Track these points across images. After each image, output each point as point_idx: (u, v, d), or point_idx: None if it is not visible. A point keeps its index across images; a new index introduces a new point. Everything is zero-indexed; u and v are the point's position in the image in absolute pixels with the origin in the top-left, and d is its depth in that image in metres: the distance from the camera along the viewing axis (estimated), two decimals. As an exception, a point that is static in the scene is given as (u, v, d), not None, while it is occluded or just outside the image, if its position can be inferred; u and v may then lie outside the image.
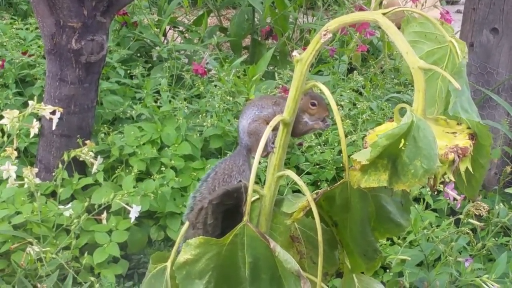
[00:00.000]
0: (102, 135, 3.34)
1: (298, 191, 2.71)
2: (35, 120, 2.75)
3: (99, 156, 2.85)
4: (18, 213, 2.91)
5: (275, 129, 1.36)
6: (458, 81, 1.20)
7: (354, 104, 3.89)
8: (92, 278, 2.66)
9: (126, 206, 2.84)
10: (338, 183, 1.33)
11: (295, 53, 1.29)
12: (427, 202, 3.21)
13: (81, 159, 2.83)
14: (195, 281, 1.31)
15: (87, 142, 2.88)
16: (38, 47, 3.93)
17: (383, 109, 3.86)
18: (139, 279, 3.01)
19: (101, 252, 2.91)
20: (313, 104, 1.47)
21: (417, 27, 1.40)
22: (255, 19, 5.08)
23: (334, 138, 3.54)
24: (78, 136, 3.15)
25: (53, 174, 3.01)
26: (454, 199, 2.73)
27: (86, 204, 2.85)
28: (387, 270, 2.93)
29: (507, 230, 3.17)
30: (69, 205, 2.89)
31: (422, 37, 1.39)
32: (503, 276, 2.79)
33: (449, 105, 1.26)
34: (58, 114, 2.69)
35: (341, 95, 3.95)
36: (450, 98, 1.24)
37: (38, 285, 2.59)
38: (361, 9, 4.45)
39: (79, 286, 2.74)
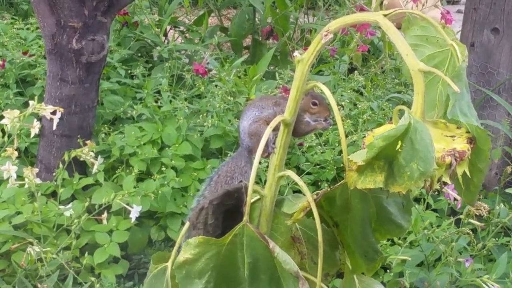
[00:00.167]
0: (103, 135, 3.34)
1: (299, 191, 2.71)
2: (35, 120, 2.75)
3: (99, 156, 2.85)
4: (18, 213, 2.91)
5: (275, 129, 1.36)
6: (457, 84, 1.20)
7: (355, 104, 3.89)
8: (93, 278, 2.67)
9: (127, 206, 2.84)
10: (339, 183, 1.33)
11: (296, 53, 1.29)
12: (427, 202, 3.21)
13: (81, 159, 2.83)
14: (194, 281, 1.31)
15: (88, 142, 2.88)
16: (39, 47, 3.93)
17: (383, 109, 3.86)
18: (139, 279, 3.01)
19: (102, 252, 2.91)
20: (314, 104, 1.47)
21: (418, 31, 1.40)
22: (256, 19, 5.08)
23: (334, 138, 3.54)
24: (79, 136, 3.15)
25: (54, 174, 3.01)
26: (455, 199, 2.73)
27: (86, 204, 2.85)
28: (388, 270, 2.92)
29: (507, 231, 3.17)
30: (70, 205, 2.89)
31: (423, 41, 1.39)
32: (504, 276, 2.79)
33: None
34: (58, 114, 2.69)
35: (341, 95, 3.95)
36: (449, 102, 1.24)
37: (39, 285, 2.59)
38: (362, 9, 4.45)
39: (80, 286, 2.74)
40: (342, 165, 3.35)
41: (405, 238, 2.97)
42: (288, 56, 4.87)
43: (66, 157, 2.83)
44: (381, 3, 4.90)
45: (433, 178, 1.19)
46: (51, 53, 3.15)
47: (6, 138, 2.66)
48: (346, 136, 3.43)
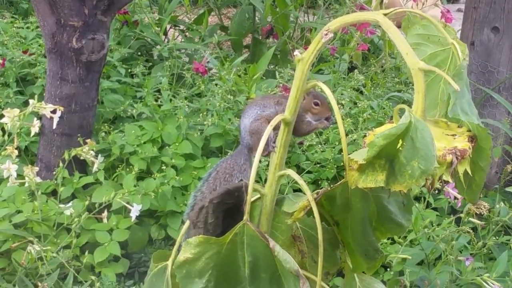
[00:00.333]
0: (103, 134, 3.34)
1: (299, 190, 2.71)
2: (35, 119, 2.76)
3: (99, 155, 2.86)
4: (18, 212, 2.91)
5: (276, 128, 1.36)
6: (458, 83, 1.19)
7: (355, 103, 3.89)
8: (93, 277, 2.67)
9: (127, 205, 2.84)
10: (339, 182, 1.33)
11: (296, 52, 1.29)
12: (428, 201, 3.22)
13: (81, 158, 2.83)
14: (195, 280, 1.31)
15: (88, 141, 2.88)
16: (39, 46, 3.93)
17: (383, 108, 3.86)
18: (139, 278, 3.02)
19: (102, 251, 2.91)
20: (316, 104, 1.47)
21: (420, 30, 1.40)
22: (256, 18, 5.08)
23: (334, 137, 3.54)
24: (79, 135, 3.15)
25: (54, 173, 3.01)
26: (455, 198, 2.73)
27: (86, 203, 2.85)
28: (388, 269, 2.93)
29: (507, 229, 3.17)
30: (70, 204, 2.89)
31: (425, 40, 1.39)
32: (504, 275, 2.79)
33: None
34: (58, 113, 2.69)
35: (342, 94, 3.95)
36: (450, 100, 1.24)
37: (39, 284, 2.59)
38: (362, 8, 4.45)
39: (80, 285, 2.74)
40: (342, 164, 3.36)
41: (405, 237, 2.97)
42: (288, 55, 4.87)
43: (66, 156, 2.83)
44: (381, 2, 4.90)
45: (434, 176, 1.19)
46: (51, 52, 3.15)
47: (6, 137, 2.66)
48: (346, 135, 3.43)
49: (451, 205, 3.22)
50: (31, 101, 2.62)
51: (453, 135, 1.26)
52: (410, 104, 1.20)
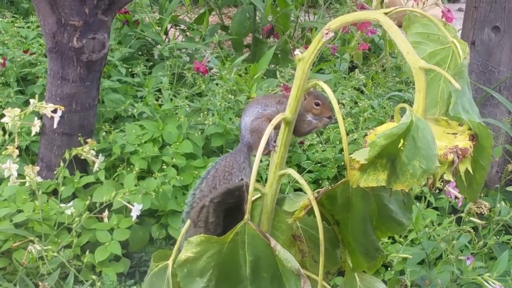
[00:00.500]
0: (104, 133, 3.34)
1: (300, 189, 2.71)
2: (36, 118, 2.76)
3: (100, 155, 2.86)
4: (19, 211, 2.91)
5: (277, 127, 1.36)
6: (458, 82, 1.19)
7: (356, 103, 3.89)
8: (94, 277, 2.67)
9: (128, 205, 2.84)
10: (340, 182, 1.33)
11: (297, 51, 1.29)
12: (428, 201, 3.22)
13: (82, 157, 2.83)
14: (196, 279, 1.31)
15: (89, 140, 2.88)
16: (40, 45, 3.93)
17: (384, 108, 3.86)
18: (140, 277, 3.02)
19: (103, 251, 2.92)
20: (317, 104, 1.47)
21: (420, 28, 1.40)
22: (257, 18, 5.08)
23: (335, 137, 3.54)
24: (80, 134, 3.15)
25: (55, 172, 3.01)
26: (456, 197, 2.73)
27: (87, 202, 2.85)
28: (389, 269, 2.93)
29: (508, 229, 3.17)
30: (71, 203, 2.89)
31: (425, 38, 1.39)
32: (505, 274, 2.79)
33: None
34: (59, 113, 2.69)
35: (342, 94, 3.95)
36: (451, 99, 1.24)
37: (40, 283, 2.59)
38: (362, 8, 4.45)
39: (81, 285, 2.74)
40: (343, 163, 3.36)
41: (406, 236, 2.97)
42: (289, 55, 4.87)
43: (67, 156, 2.83)
44: (382, 1, 4.90)
45: (436, 175, 1.19)
46: (52, 52, 3.15)
47: (7, 136, 2.66)
48: (347, 135, 3.43)
49: (452, 205, 3.22)
50: (31, 100, 2.62)
51: (454, 133, 1.26)
52: (410, 104, 1.20)
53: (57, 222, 2.86)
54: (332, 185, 1.35)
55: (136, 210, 2.79)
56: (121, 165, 3.19)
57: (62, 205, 2.88)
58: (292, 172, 1.38)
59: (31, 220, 2.86)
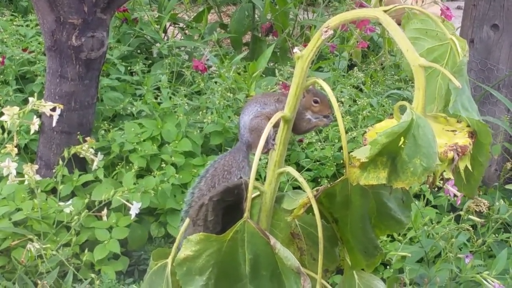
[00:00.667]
0: (103, 131, 3.34)
1: (299, 187, 2.71)
2: (35, 116, 2.76)
3: (99, 153, 2.85)
4: (18, 210, 2.91)
5: (276, 125, 1.36)
6: (458, 79, 1.19)
7: (355, 101, 3.89)
8: (93, 275, 2.67)
9: (127, 203, 2.84)
10: (339, 179, 1.33)
11: (296, 49, 1.29)
12: (427, 199, 3.22)
13: (81, 155, 2.83)
14: (195, 277, 1.31)
15: (88, 138, 2.88)
16: (39, 43, 3.93)
17: (383, 106, 3.86)
18: (139, 275, 3.02)
19: (102, 249, 2.92)
20: (316, 102, 1.46)
21: (418, 24, 1.40)
22: (256, 16, 5.08)
23: (334, 135, 3.54)
24: (79, 132, 3.15)
25: (54, 170, 3.02)
26: (455, 195, 2.73)
27: (86, 200, 2.85)
28: (388, 267, 2.93)
29: (507, 227, 3.17)
30: (70, 201, 2.89)
31: (422, 34, 1.39)
32: (504, 272, 2.79)
33: (449, 102, 1.25)
34: (58, 111, 2.69)
35: (341, 92, 3.95)
36: (451, 97, 1.24)
37: (39, 281, 2.59)
38: (361, 6, 4.44)
39: (80, 283, 2.74)
40: (342, 161, 3.36)
41: (405, 235, 2.97)
42: (288, 53, 4.87)
43: (65, 154, 2.83)
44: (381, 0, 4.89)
45: (436, 173, 1.19)
46: (51, 50, 3.15)
47: (5, 134, 2.66)
48: (346, 133, 3.43)
49: (451, 203, 3.22)
50: (30, 99, 2.62)
51: (453, 131, 1.26)
52: (409, 102, 1.20)
53: (56, 220, 2.86)
54: (331, 183, 1.35)
55: (135, 208, 2.79)
56: (120, 164, 3.19)
57: (61, 203, 2.88)
58: (291, 170, 1.38)
59: (30, 218, 2.86)
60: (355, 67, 4.49)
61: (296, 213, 1.35)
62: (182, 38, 4.81)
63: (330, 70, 4.43)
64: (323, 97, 1.47)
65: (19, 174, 2.74)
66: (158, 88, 3.74)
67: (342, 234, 1.43)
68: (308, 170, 3.41)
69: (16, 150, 2.62)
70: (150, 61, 4.26)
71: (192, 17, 5.21)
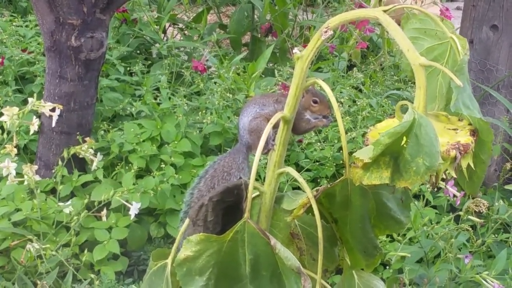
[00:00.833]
0: (102, 132, 3.34)
1: (298, 188, 2.71)
2: (34, 117, 2.75)
3: (98, 153, 2.86)
4: (18, 210, 2.91)
5: (275, 126, 1.36)
6: (459, 78, 1.20)
7: (354, 101, 3.89)
8: (92, 275, 2.67)
9: (126, 203, 2.84)
10: (339, 180, 1.33)
11: (295, 50, 1.29)
12: (427, 199, 3.22)
13: (80, 156, 2.84)
14: (195, 278, 1.31)
15: (87, 139, 2.88)
16: (38, 44, 3.93)
17: (382, 106, 3.86)
18: (139, 276, 3.02)
19: (101, 249, 2.92)
20: (315, 102, 1.47)
21: (417, 24, 1.40)
22: (255, 16, 5.08)
23: (333, 135, 3.54)
24: (78, 133, 3.15)
25: (53, 171, 3.02)
26: (454, 196, 2.73)
27: (86, 201, 2.85)
28: (387, 267, 2.93)
29: (506, 227, 3.17)
30: (69, 202, 2.89)
31: (422, 34, 1.39)
32: (503, 272, 2.79)
33: (450, 101, 1.26)
34: (57, 111, 2.69)
35: (341, 92, 3.95)
36: (452, 95, 1.24)
37: (38, 282, 2.59)
38: (361, 6, 4.44)
39: (79, 283, 2.74)
40: (341, 161, 3.36)
41: (404, 235, 2.97)
42: (287, 53, 4.87)
43: (65, 154, 2.83)
44: (380, 0, 4.90)
45: (439, 172, 1.19)
46: (50, 50, 3.15)
47: (5, 135, 2.66)
48: (345, 133, 3.43)
49: (450, 203, 3.22)
50: (30, 99, 2.62)
51: (454, 129, 1.26)
52: (409, 102, 1.20)
53: (56, 220, 2.86)
54: (331, 183, 1.35)
55: (134, 208, 2.79)
56: (119, 164, 3.19)
57: (61, 203, 2.88)
58: (291, 170, 1.38)
59: (29, 218, 2.86)
60: (355, 68, 4.49)
61: (296, 214, 1.35)
62: (182, 38, 4.81)
63: (330, 71, 4.43)
64: (322, 97, 1.47)
65: (19, 174, 2.74)
66: (157, 89, 3.74)
67: (342, 234, 1.43)
68: (308, 170, 3.41)
69: (15, 150, 2.62)
70: (149, 62, 4.26)
71: (191, 17, 5.21)
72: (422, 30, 1.39)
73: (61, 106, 2.72)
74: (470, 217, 2.84)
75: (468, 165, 1.22)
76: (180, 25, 4.98)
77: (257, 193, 1.40)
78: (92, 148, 2.84)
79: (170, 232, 3.09)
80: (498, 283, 2.57)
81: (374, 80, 4.47)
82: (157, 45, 4.24)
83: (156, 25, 4.46)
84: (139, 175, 3.19)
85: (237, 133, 1.58)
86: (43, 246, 2.64)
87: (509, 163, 3.45)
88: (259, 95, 1.61)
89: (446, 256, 2.78)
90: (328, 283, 1.43)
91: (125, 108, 3.54)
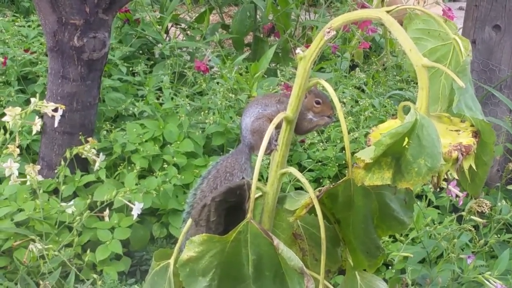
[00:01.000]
0: (104, 132, 3.34)
1: (301, 188, 2.71)
2: (37, 117, 2.76)
3: (101, 153, 2.86)
4: (20, 210, 2.91)
5: (278, 126, 1.36)
6: (462, 79, 1.19)
7: (356, 101, 3.89)
8: (95, 275, 2.67)
9: (129, 203, 2.84)
10: (341, 180, 1.33)
11: (298, 50, 1.29)
12: (429, 199, 3.21)
13: (83, 156, 2.84)
14: (198, 278, 1.31)
15: (90, 139, 2.88)
16: (40, 44, 3.93)
17: (385, 106, 3.86)
18: (141, 276, 3.02)
19: (104, 249, 2.92)
20: (318, 103, 1.47)
21: (420, 24, 1.40)
22: (257, 16, 5.08)
23: (336, 135, 3.54)
24: (80, 133, 3.15)
25: (56, 171, 3.02)
26: (457, 196, 2.73)
27: (88, 201, 2.85)
28: (390, 267, 2.93)
29: (509, 227, 3.17)
30: (72, 202, 2.89)
31: (425, 34, 1.39)
32: (506, 273, 2.79)
33: (452, 102, 1.26)
34: (60, 112, 2.70)
35: (343, 92, 3.95)
36: (454, 96, 1.24)
37: (41, 282, 2.60)
38: (363, 6, 4.44)
39: (82, 283, 2.74)
40: (344, 162, 3.36)
41: (407, 235, 2.97)
42: (290, 53, 4.87)
43: (68, 154, 2.83)
44: (382, 0, 4.89)
45: (441, 173, 1.19)
46: (53, 51, 3.15)
47: (8, 135, 2.66)
48: (348, 133, 3.43)
49: (453, 203, 3.22)
50: (32, 99, 2.62)
51: (457, 130, 1.26)
52: (412, 102, 1.20)
53: (58, 221, 2.86)
54: (333, 183, 1.35)
55: (137, 209, 2.79)
56: (122, 164, 3.19)
57: (63, 204, 2.88)
58: (293, 170, 1.38)
59: (32, 219, 2.86)
60: (357, 68, 4.49)
61: (298, 214, 1.35)
62: (184, 38, 4.81)
63: (332, 71, 4.43)
64: (325, 97, 1.47)
65: (21, 174, 2.75)
66: (160, 89, 3.74)
67: (344, 235, 1.43)
68: (310, 170, 3.41)
69: (18, 150, 2.63)
70: (152, 62, 4.26)
71: (194, 17, 5.21)
72: (425, 31, 1.39)
73: (63, 106, 2.72)
74: (472, 217, 2.84)
75: (470, 166, 1.22)
76: (183, 25, 4.98)
77: (260, 193, 1.40)
78: (94, 148, 2.85)
79: (173, 232, 3.09)
80: (500, 284, 2.57)
81: (376, 80, 4.47)
82: (159, 45, 4.24)
83: (159, 25, 4.46)
84: (141, 175, 3.19)
85: (240, 134, 1.58)
86: (46, 246, 2.64)
87: (512, 163, 3.44)
88: (262, 95, 1.62)
89: (449, 256, 2.77)
90: (330, 283, 1.43)
91: (127, 108, 3.54)
